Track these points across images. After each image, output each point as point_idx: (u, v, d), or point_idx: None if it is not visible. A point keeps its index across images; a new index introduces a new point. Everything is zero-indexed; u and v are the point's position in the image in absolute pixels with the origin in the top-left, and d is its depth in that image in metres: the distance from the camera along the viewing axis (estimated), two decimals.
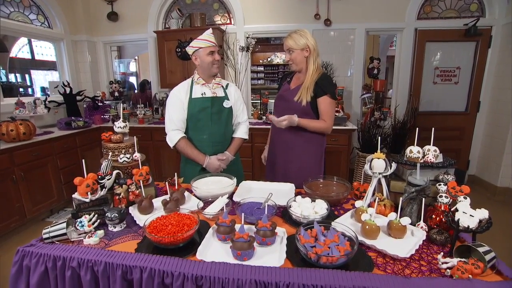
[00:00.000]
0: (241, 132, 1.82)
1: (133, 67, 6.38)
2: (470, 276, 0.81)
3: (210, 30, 1.64)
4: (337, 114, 3.22)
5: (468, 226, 0.90)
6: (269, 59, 7.76)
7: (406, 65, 3.57)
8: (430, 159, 1.21)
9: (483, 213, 0.93)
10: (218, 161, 1.68)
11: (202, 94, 1.68)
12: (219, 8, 3.84)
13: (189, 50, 1.65)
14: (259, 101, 4.06)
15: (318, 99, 1.61)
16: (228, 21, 3.84)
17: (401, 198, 1.10)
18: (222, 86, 1.75)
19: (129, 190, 1.27)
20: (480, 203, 0.93)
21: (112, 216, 1.08)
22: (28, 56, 4.88)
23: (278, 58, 7.58)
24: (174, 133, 1.69)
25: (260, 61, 7.76)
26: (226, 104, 1.73)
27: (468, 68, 3.52)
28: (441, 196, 1.10)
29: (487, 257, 0.84)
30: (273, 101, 2.49)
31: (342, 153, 3.19)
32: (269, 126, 1.95)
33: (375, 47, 5.27)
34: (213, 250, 0.97)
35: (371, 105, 3.53)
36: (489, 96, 3.49)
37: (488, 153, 3.52)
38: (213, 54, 1.62)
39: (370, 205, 1.20)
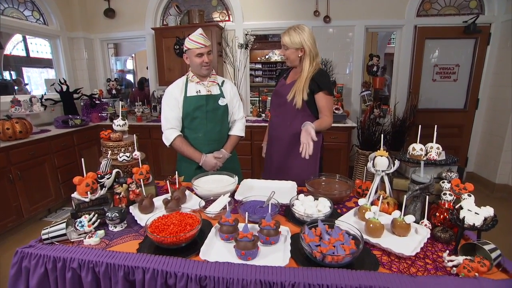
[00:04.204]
0: (237, 130, 1.80)
1: (130, 65, 6.32)
2: (476, 274, 0.80)
3: (199, 30, 1.60)
4: (336, 111, 3.22)
5: (474, 224, 0.90)
6: (267, 57, 7.72)
7: (405, 62, 3.57)
8: (433, 157, 1.20)
9: (488, 211, 0.92)
10: (215, 159, 1.66)
11: (197, 92, 1.66)
12: (217, 4, 3.80)
13: (184, 48, 1.63)
14: (258, 98, 4.04)
15: (316, 95, 1.60)
16: (227, 18, 3.81)
17: (405, 196, 1.09)
18: (218, 84, 1.73)
19: (129, 189, 1.25)
20: (479, 200, 0.92)
21: (113, 215, 1.07)
22: (23, 54, 4.81)
23: (276, 55, 7.55)
24: (169, 131, 1.67)
25: (258, 58, 7.72)
26: (221, 102, 1.71)
27: (467, 65, 3.52)
28: (445, 194, 1.09)
29: (493, 255, 0.84)
30: None
31: (341, 150, 3.19)
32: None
33: (373, 45, 5.26)
34: (216, 250, 0.96)
35: (370, 102, 3.52)
36: (487, 93, 3.50)
37: (486, 150, 3.54)
38: (201, 56, 1.58)
39: (373, 203, 1.20)
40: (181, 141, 1.67)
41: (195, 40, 1.56)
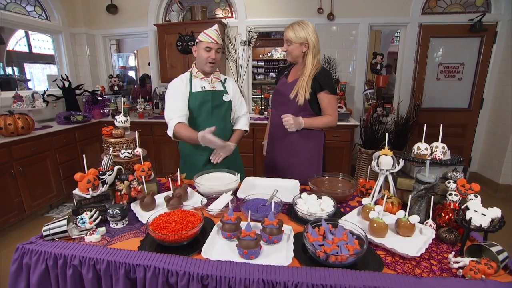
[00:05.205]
0: (242, 124, 1.79)
1: (132, 62, 6.30)
2: (483, 276, 0.79)
3: (215, 26, 1.60)
4: (339, 110, 3.19)
5: (481, 225, 0.88)
6: (269, 54, 7.69)
7: (409, 61, 3.53)
8: (438, 156, 1.18)
9: (495, 212, 0.90)
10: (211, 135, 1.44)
11: (201, 88, 1.65)
12: (220, 1, 3.77)
13: (196, 40, 1.63)
14: (260, 96, 4.02)
15: (318, 95, 1.58)
16: (230, 15, 3.78)
17: (410, 196, 1.07)
18: (221, 80, 1.73)
19: (131, 186, 1.24)
20: (482, 201, 0.91)
21: (114, 212, 1.06)
22: (26, 49, 4.80)
23: (279, 53, 7.51)
24: (171, 122, 1.58)
25: (260, 56, 7.69)
26: (225, 97, 1.70)
27: (472, 64, 3.48)
28: (450, 194, 1.08)
29: (500, 257, 0.82)
30: None
31: (344, 149, 3.17)
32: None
33: (377, 43, 5.22)
34: (218, 248, 0.95)
35: (373, 101, 3.50)
36: (492, 93, 3.46)
37: (490, 150, 3.51)
38: (209, 51, 1.57)
39: (377, 203, 1.18)
40: (179, 126, 1.56)
41: (208, 34, 1.57)
